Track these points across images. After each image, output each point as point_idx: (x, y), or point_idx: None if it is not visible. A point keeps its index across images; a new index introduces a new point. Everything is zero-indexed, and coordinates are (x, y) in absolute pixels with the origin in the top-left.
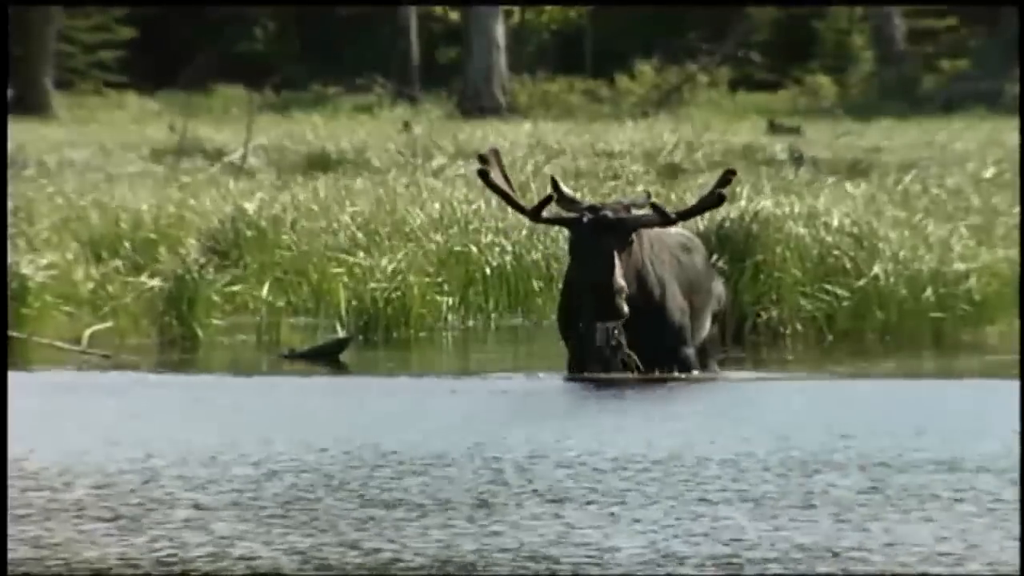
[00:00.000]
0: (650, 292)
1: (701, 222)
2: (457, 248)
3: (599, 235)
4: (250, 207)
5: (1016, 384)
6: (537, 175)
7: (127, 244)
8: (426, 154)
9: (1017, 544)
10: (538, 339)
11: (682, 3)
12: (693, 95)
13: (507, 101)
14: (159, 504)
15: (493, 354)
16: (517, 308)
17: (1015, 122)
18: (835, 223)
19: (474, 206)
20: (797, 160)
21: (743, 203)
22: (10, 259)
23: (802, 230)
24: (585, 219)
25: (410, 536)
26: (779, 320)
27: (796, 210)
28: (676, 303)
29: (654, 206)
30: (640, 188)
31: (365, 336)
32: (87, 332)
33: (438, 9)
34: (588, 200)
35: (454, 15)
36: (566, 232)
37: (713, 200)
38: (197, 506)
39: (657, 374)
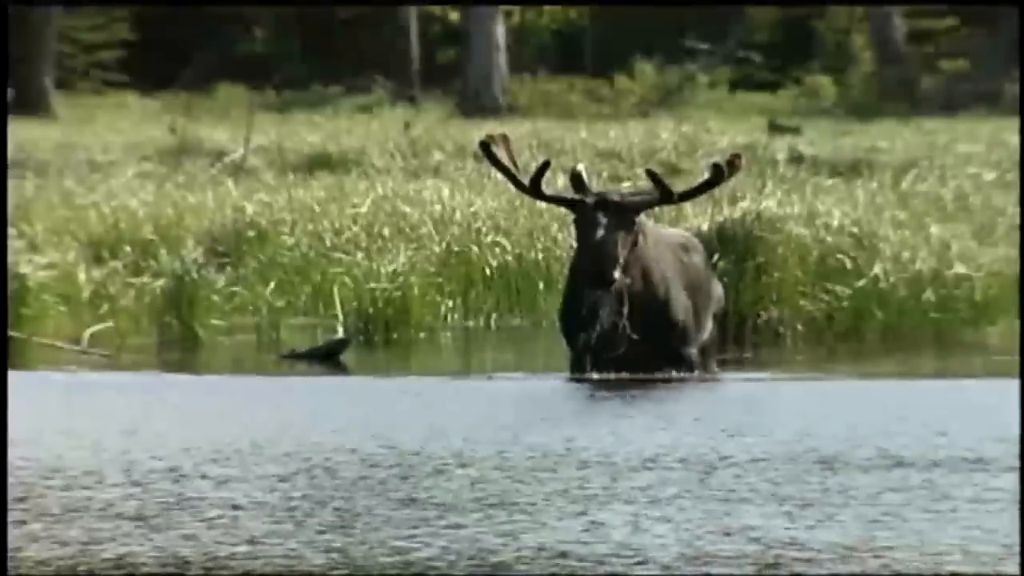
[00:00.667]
0: (654, 291)
1: (701, 221)
2: (457, 248)
3: (602, 214)
4: (250, 207)
5: (1016, 384)
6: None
7: (127, 244)
8: (426, 154)
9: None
10: (539, 339)
11: (682, 3)
12: (693, 95)
13: (507, 101)
14: (184, 503)
15: (493, 354)
16: (518, 308)
17: (1015, 122)
18: (835, 223)
19: (474, 208)
20: (797, 160)
21: (744, 204)
22: (10, 259)
23: (802, 230)
24: (588, 199)
25: (437, 535)
26: (779, 320)
27: (796, 210)
28: (680, 303)
29: (653, 177)
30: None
31: (365, 336)
32: (87, 332)
33: (438, 9)
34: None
35: (454, 15)
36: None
37: (714, 176)
38: (222, 505)
39: (660, 375)
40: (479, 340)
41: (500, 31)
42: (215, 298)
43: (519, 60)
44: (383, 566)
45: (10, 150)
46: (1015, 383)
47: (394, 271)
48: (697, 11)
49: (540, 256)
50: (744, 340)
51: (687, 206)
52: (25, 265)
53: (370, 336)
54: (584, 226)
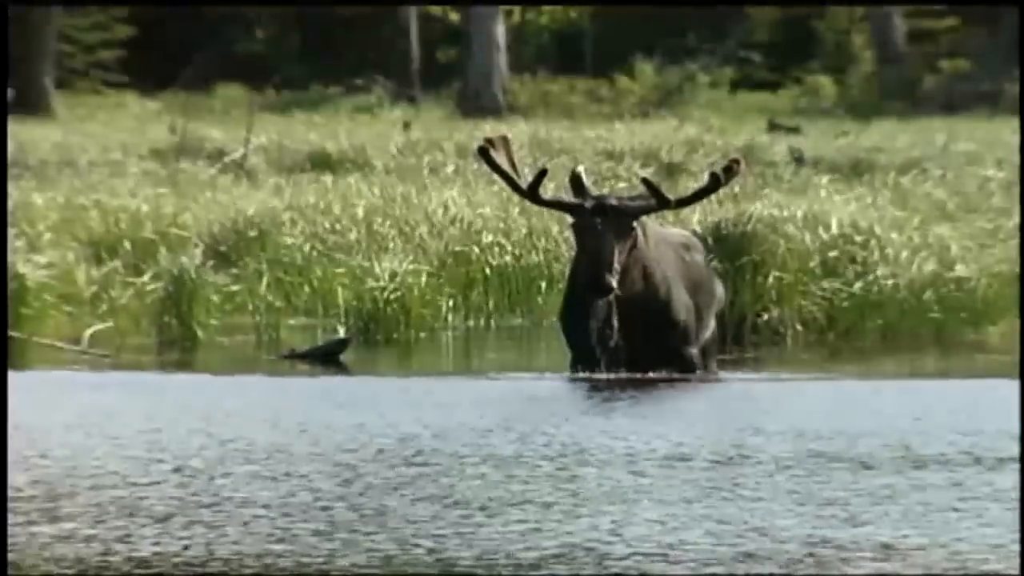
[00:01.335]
0: (655, 290)
1: (700, 220)
2: (457, 248)
3: (600, 219)
4: (250, 207)
5: (1016, 384)
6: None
7: (127, 244)
8: (426, 154)
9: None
10: (539, 339)
11: (682, 3)
12: (693, 95)
13: (507, 101)
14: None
15: (493, 354)
16: (518, 308)
17: (1015, 122)
18: (835, 224)
19: (474, 208)
20: (797, 160)
21: (744, 204)
22: (10, 259)
23: (802, 231)
24: (587, 203)
25: (471, 535)
26: (779, 320)
27: (796, 210)
28: (681, 302)
29: (649, 185)
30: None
31: (365, 336)
32: (87, 332)
33: (438, 9)
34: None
35: (454, 15)
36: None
37: (710, 183)
38: (253, 504)
39: (661, 374)
40: (479, 340)
41: (500, 31)
42: (215, 298)
43: (519, 60)
44: (419, 565)
45: (10, 150)
46: (1015, 383)
47: (394, 271)
48: (697, 11)
49: (540, 256)
50: (743, 340)
51: None
52: (25, 265)
53: (370, 336)
54: (582, 231)
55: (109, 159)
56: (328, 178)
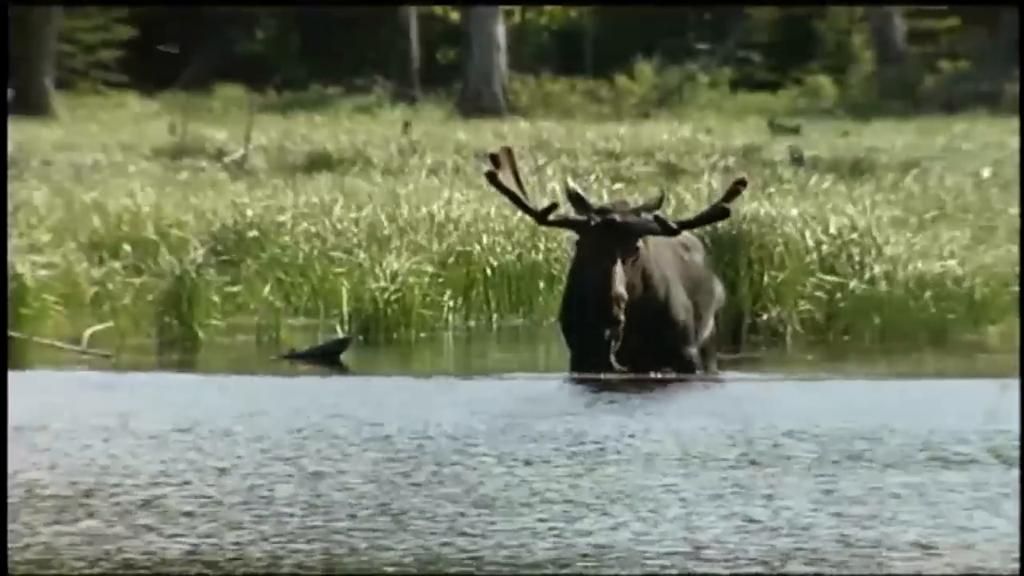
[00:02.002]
0: (655, 290)
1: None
2: (458, 248)
3: (605, 239)
4: (250, 207)
5: (1016, 384)
6: (536, 174)
7: (127, 244)
8: (426, 154)
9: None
10: (540, 339)
11: (682, 3)
12: (693, 95)
13: (507, 101)
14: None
15: (494, 354)
16: (519, 308)
17: (1015, 122)
18: (834, 224)
19: (474, 207)
20: (797, 160)
21: (743, 204)
22: (10, 259)
23: (801, 231)
24: (593, 222)
25: (492, 534)
26: (778, 320)
27: (796, 210)
28: (680, 302)
29: (656, 218)
30: (646, 190)
31: (366, 336)
32: (87, 332)
33: (438, 9)
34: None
35: (454, 15)
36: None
37: (718, 213)
38: (284, 503)
39: (661, 374)
40: (480, 340)
41: (500, 31)
42: (215, 298)
43: (519, 60)
44: (453, 564)
45: (10, 150)
46: (1015, 383)
47: (395, 271)
48: (697, 11)
49: (541, 256)
50: (740, 340)
51: (688, 205)
52: (25, 265)
53: (370, 336)
54: (588, 250)
55: (109, 159)
56: (328, 178)
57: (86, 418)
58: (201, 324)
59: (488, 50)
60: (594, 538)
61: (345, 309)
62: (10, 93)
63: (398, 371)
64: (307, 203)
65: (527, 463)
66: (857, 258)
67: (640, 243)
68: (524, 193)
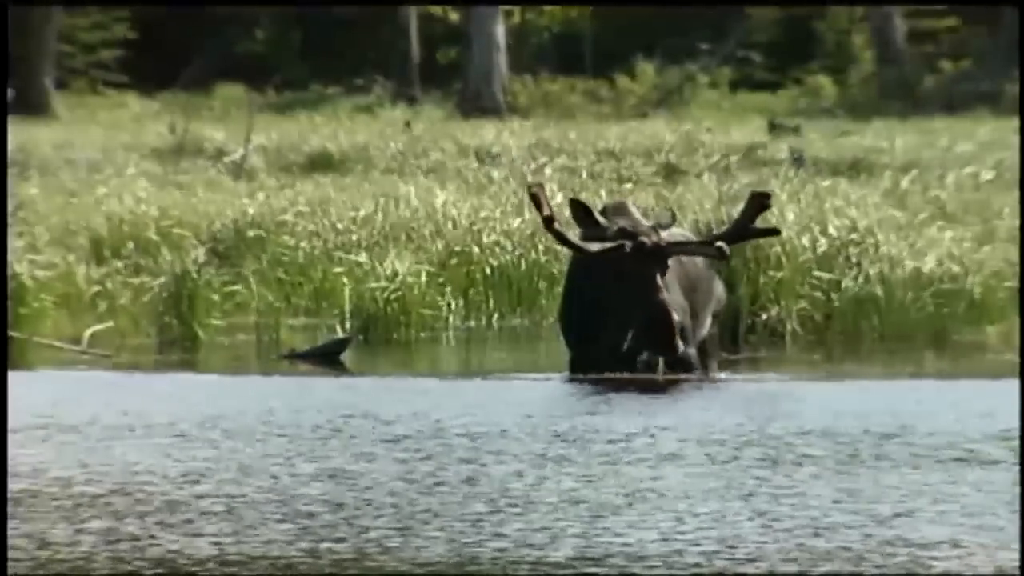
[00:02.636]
0: None
1: (700, 222)
2: (458, 248)
3: (649, 265)
4: (250, 207)
5: (1016, 384)
6: (536, 174)
7: (128, 244)
8: (426, 154)
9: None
10: (540, 339)
11: (682, 3)
12: (693, 95)
13: (507, 101)
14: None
15: (493, 354)
16: (519, 308)
17: (1015, 122)
18: (834, 224)
19: (474, 208)
20: (797, 160)
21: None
22: (10, 259)
23: (800, 231)
24: (631, 247)
25: (520, 533)
26: (778, 320)
27: (795, 211)
28: (676, 302)
29: (702, 243)
30: (628, 189)
31: (366, 336)
32: (87, 332)
33: (438, 9)
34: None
35: (454, 15)
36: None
37: (766, 232)
38: (313, 502)
39: (661, 375)
40: (480, 340)
41: (500, 31)
42: (215, 298)
43: (519, 60)
44: (480, 564)
45: (10, 150)
46: (1015, 383)
47: (394, 271)
48: (697, 11)
49: (541, 256)
50: (739, 340)
51: (688, 204)
52: (24, 265)
53: (370, 336)
54: (630, 276)
55: (109, 159)
56: (328, 178)
57: (86, 418)
58: (201, 324)
59: (488, 50)
60: (622, 538)
61: (345, 309)
62: (10, 93)
63: (407, 372)
64: (307, 203)
65: (550, 462)
66: (855, 259)
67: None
68: (553, 214)
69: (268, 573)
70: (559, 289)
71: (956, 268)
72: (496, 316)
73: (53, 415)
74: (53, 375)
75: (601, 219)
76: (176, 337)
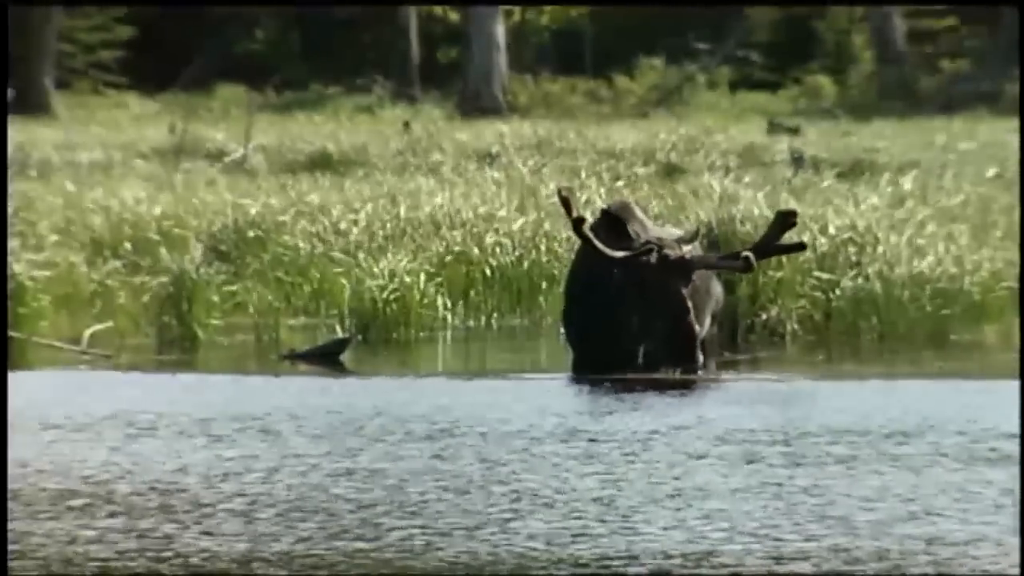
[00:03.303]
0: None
1: (699, 222)
2: (458, 248)
3: (674, 277)
4: (250, 207)
5: (1016, 384)
6: (536, 174)
7: (128, 244)
8: (426, 154)
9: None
10: (540, 339)
11: (682, 3)
12: (693, 95)
13: (507, 101)
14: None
15: (493, 354)
16: (518, 308)
17: (1015, 122)
18: (834, 224)
19: (474, 207)
20: (797, 160)
21: (742, 205)
22: (10, 259)
23: (800, 231)
24: (658, 258)
25: (548, 534)
26: (777, 320)
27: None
28: (696, 315)
29: (747, 263)
30: (628, 188)
31: (365, 336)
32: (87, 332)
33: (438, 9)
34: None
35: (454, 15)
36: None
37: (792, 248)
38: (342, 501)
39: (665, 374)
40: (479, 340)
41: (500, 31)
42: (215, 298)
43: (519, 60)
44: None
45: (10, 150)
46: (1015, 383)
47: (394, 271)
48: (697, 11)
49: (541, 256)
50: (738, 340)
51: (689, 203)
52: (24, 265)
53: (370, 336)
54: (653, 287)
55: (109, 159)
56: (328, 178)
57: (86, 417)
58: (200, 324)
59: (488, 50)
60: (647, 537)
61: (344, 309)
62: (10, 93)
63: (413, 372)
64: (307, 203)
65: (574, 461)
66: (855, 258)
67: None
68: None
69: (284, 573)
70: (559, 289)
71: (955, 268)
72: (495, 316)
73: (53, 415)
74: (53, 375)
75: (631, 231)
76: (176, 337)
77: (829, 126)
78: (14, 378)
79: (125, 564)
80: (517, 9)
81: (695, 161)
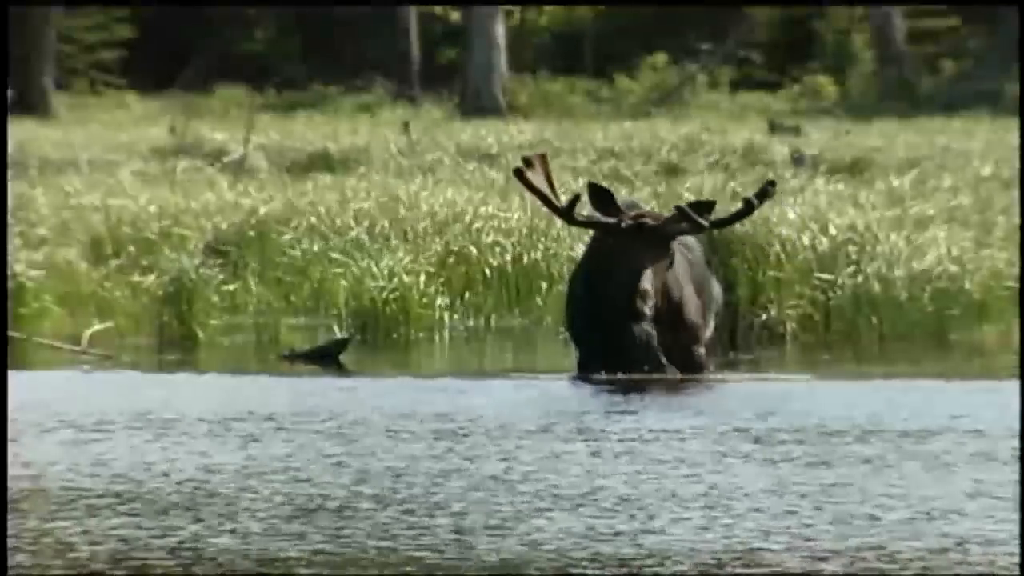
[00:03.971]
0: (670, 290)
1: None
2: (457, 248)
3: (635, 243)
4: (250, 207)
5: (1016, 384)
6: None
7: (127, 244)
8: (426, 154)
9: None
10: (539, 339)
11: (682, 3)
12: (693, 95)
13: (507, 101)
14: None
15: (493, 354)
16: (517, 308)
17: (1015, 122)
18: (834, 223)
19: (474, 207)
20: (797, 160)
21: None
22: (10, 259)
23: (800, 231)
24: (624, 224)
25: (566, 534)
26: (777, 321)
27: (794, 211)
28: (692, 301)
29: (681, 210)
30: (628, 188)
31: (364, 336)
32: (87, 332)
33: (438, 9)
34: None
35: (454, 15)
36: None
37: (745, 209)
38: (349, 499)
39: (670, 374)
40: (479, 340)
41: (500, 31)
42: (215, 298)
43: (519, 60)
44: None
45: (10, 150)
46: (1015, 383)
47: (393, 271)
48: (697, 11)
49: (540, 256)
50: (736, 340)
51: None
52: (24, 264)
53: (369, 336)
54: (617, 253)
55: (109, 159)
56: (328, 178)
57: (85, 417)
58: (201, 324)
59: (488, 50)
60: (658, 536)
61: (344, 309)
62: (10, 93)
63: (415, 372)
64: (307, 203)
65: (587, 460)
66: (855, 258)
67: (673, 249)
68: (556, 195)
69: (285, 574)
70: (558, 289)
71: (955, 268)
72: (495, 316)
73: (52, 415)
74: (53, 375)
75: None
76: (176, 337)
77: (829, 126)
78: (14, 378)
79: (123, 564)
80: (517, 9)
81: (695, 161)
